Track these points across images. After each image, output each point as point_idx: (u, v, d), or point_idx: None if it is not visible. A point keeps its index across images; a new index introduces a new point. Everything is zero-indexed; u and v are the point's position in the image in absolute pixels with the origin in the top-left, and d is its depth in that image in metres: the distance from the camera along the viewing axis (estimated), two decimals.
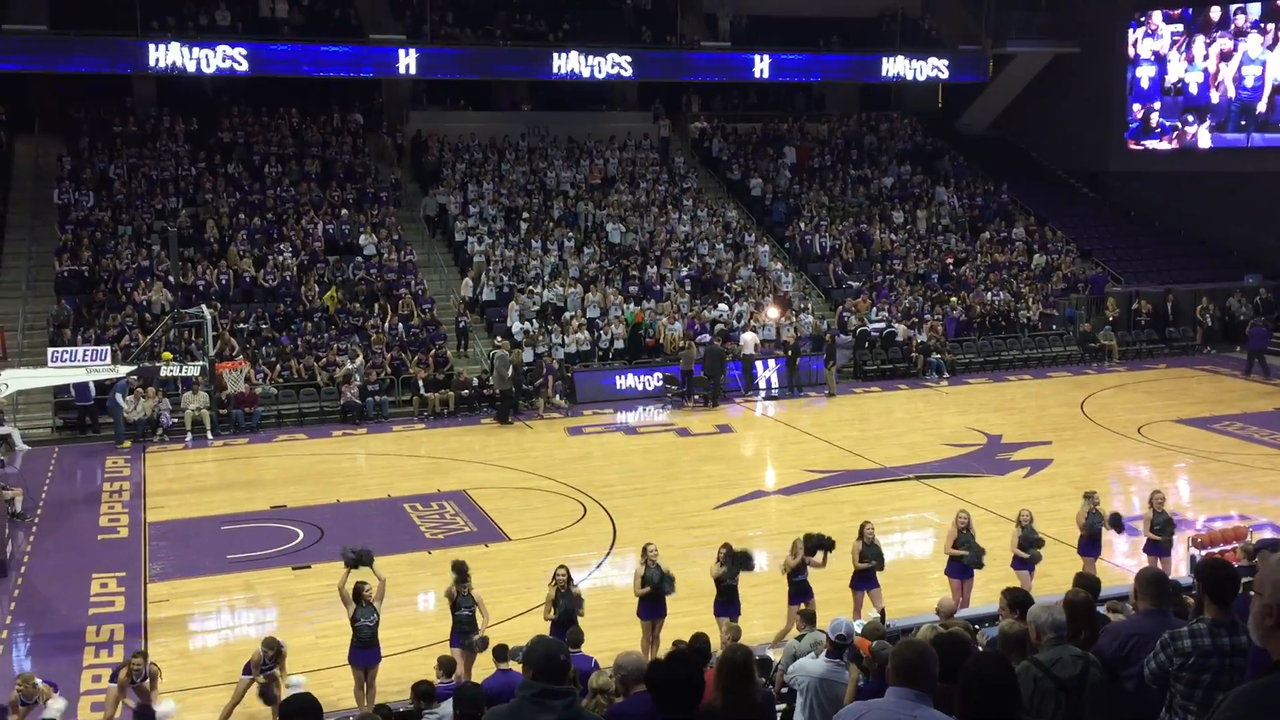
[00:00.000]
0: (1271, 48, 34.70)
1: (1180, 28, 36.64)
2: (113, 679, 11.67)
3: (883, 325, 30.18)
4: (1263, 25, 34.82)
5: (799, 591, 13.17)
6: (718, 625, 12.75)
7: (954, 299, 31.82)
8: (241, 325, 26.79)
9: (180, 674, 12.99)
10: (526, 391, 26.36)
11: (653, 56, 35.49)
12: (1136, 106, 37.62)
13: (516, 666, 8.99)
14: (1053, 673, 5.33)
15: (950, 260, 33.95)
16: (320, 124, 34.52)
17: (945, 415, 25.99)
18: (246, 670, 11.84)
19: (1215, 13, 35.72)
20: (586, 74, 34.15)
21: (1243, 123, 35.51)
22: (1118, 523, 14.81)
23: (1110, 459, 22.44)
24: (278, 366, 25.96)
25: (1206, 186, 35.42)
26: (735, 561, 13.11)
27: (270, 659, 11.74)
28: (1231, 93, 35.71)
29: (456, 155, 34.41)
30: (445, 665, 11.01)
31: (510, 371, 25.42)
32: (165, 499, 20.05)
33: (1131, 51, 37.35)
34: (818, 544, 13.28)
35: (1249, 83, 35.35)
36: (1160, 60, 37.08)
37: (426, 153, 34.35)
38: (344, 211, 30.95)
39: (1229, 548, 14.27)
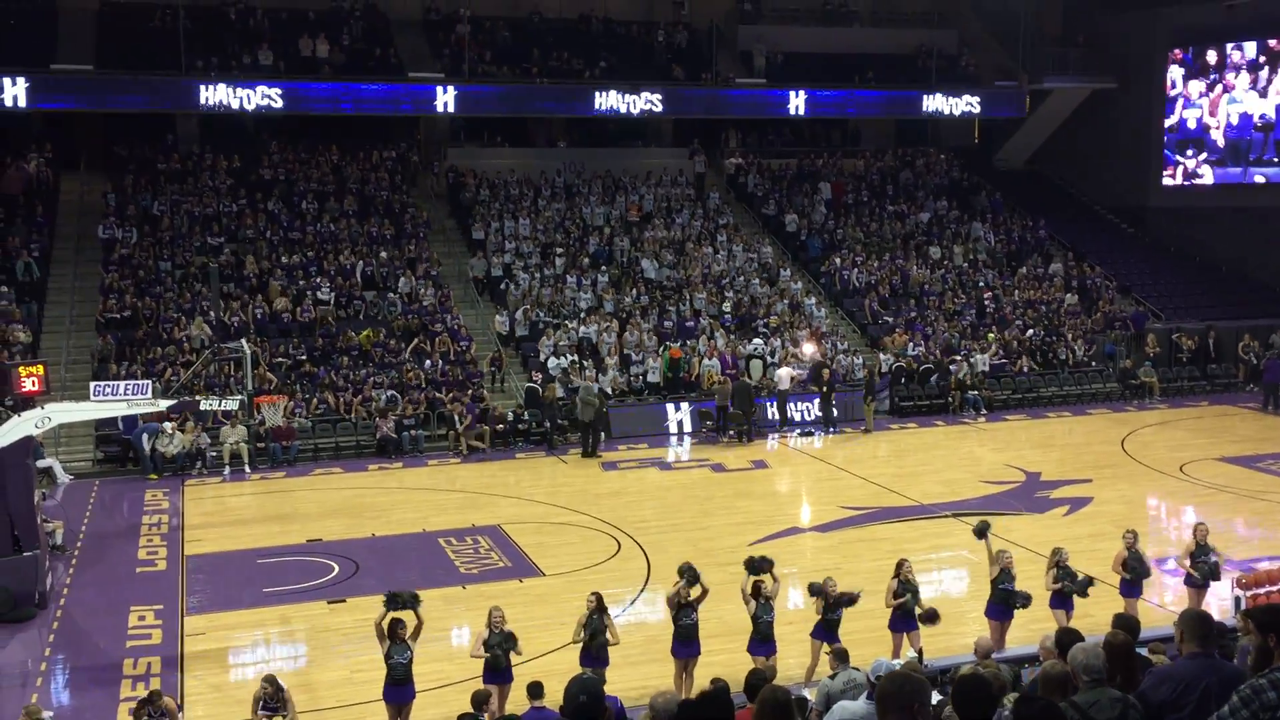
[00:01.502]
0: (1258, 89, 34.96)
1: (1182, 71, 36.85)
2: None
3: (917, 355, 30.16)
4: (1258, 60, 34.86)
5: (829, 629, 13.05)
6: (754, 664, 12.65)
7: (990, 335, 31.62)
8: (280, 360, 27.02)
9: (216, 707, 13.03)
10: (561, 426, 26.41)
11: (690, 94, 35.73)
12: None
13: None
14: (1090, 715, 5.24)
15: (988, 296, 33.75)
16: (359, 161, 34.93)
17: (983, 452, 25.76)
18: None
19: (1212, 56, 35.96)
20: (624, 110, 34.42)
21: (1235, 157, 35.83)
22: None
23: (1152, 498, 22.14)
24: (314, 400, 26.16)
25: (1246, 222, 35.10)
26: (749, 568, 13.08)
27: (270, 696, 11.66)
28: (1221, 141, 35.96)
29: (493, 192, 34.68)
30: (477, 700, 10.96)
31: (597, 403, 25.62)
32: (203, 532, 20.18)
33: (1171, 90, 37.27)
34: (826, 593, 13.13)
35: (1234, 120, 35.57)
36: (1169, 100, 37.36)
37: (464, 189, 34.66)
38: (383, 254, 31.18)
39: (1274, 589, 14.00)
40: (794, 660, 13.29)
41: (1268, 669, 5.24)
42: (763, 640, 12.92)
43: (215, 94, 30.92)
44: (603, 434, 26.42)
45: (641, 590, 16.74)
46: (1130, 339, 32.39)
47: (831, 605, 13.07)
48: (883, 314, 32.52)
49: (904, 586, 13.45)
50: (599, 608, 12.54)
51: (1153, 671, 6.08)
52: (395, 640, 11.86)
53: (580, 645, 12.50)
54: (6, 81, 28.93)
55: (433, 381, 27.24)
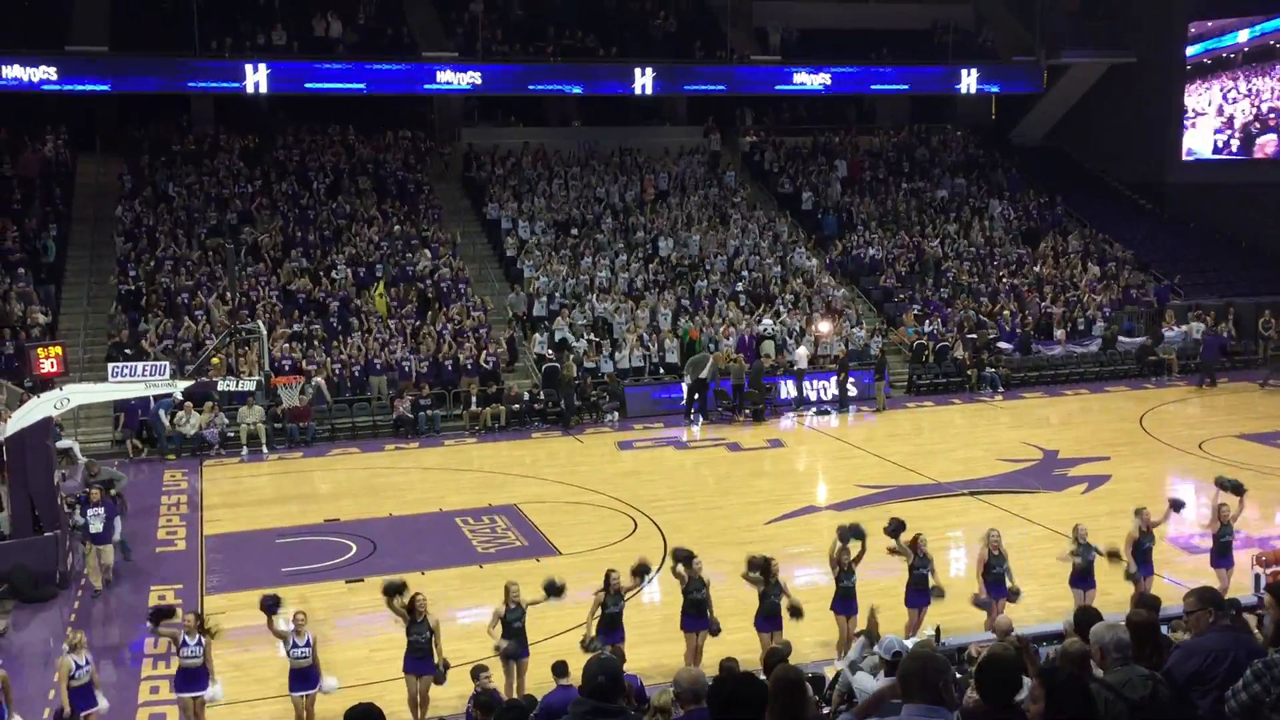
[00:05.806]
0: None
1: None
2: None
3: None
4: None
5: (845, 598, 13.13)
6: (760, 640, 12.73)
7: (1005, 311, 31.43)
8: (294, 330, 26.93)
9: (236, 686, 13.10)
10: (578, 407, 26.40)
11: (705, 72, 35.53)
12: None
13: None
14: (1124, 695, 5.21)
15: (1003, 274, 33.52)
16: (373, 141, 34.88)
17: (1000, 430, 25.67)
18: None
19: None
20: (639, 88, 34.25)
21: None
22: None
23: (1170, 475, 22.03)
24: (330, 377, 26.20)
25: (1266, 198, 34.79)
26: (847, 533, 13.46)
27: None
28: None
29: (508, 171, 34.59)
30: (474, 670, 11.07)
31: (710, 366, 26.36)
32: (221, 512, 20.29)
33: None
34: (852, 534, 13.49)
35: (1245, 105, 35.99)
36: None
37: (478, 169, 34.58)
38: (397, 227, 31.21)
39: None
40: (810, 639, 13.29)
41: None
42: (766, 617, 13.04)
43: (230, 74, 30.86)
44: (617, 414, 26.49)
45: (658, 569, 16.75)
46: (1149, 316, 32.17)
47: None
48: (899, 291, 32.36)
49: (919, 561, 13.52)
50: (618, 586, 12.64)
51: (1181, 645, 6.05)
52: (416, 616, 11.95)
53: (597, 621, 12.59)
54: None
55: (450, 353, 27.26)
